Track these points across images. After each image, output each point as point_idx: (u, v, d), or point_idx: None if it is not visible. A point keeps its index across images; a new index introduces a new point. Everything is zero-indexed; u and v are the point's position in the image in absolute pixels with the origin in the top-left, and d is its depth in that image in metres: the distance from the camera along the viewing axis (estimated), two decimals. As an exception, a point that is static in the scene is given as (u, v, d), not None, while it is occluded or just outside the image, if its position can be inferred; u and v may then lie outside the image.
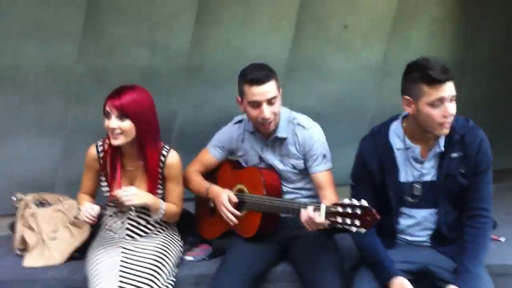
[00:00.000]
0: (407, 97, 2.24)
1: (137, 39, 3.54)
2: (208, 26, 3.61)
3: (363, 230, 2.10)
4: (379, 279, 2.28)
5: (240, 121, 2.80)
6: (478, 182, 2.29)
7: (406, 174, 2.35)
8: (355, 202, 2.12)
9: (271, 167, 2.69)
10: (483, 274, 2.28)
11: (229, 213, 2.59)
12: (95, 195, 2.72)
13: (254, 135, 2.71)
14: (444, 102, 2.16)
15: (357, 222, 2.10)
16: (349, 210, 2.12)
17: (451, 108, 2.17)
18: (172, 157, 2.59)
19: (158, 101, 3.55)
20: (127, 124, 2.43)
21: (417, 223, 2.39)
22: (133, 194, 2.45)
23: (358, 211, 2.10)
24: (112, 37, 3.50)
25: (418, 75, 2.18)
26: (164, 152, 2.58)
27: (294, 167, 2.66)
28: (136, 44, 3.54)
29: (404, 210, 2.39)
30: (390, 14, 3.81)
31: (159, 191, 2.61)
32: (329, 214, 2.18)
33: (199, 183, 2.78)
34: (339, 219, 2.14)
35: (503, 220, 3.07)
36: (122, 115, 2.42)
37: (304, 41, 3.73)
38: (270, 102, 2.51)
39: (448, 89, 2.15)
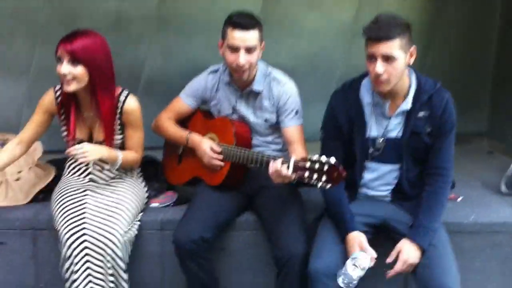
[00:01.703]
0: None
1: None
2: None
3: (328, 186, 2.14)
4: (339, 231, 2.35)
5: (215, 71, 2.77)
6: (442, 142, 2.34)
7: (373, 129, 2.39)
8: (323, 158, 2.13)
9: (243, 119, 2.70)
10: (439, 229, 2.34)
11: (215, 160, 2.59)
12: (30, 145, 2.62)
13: (229, 85, 2.70)
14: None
15: (324, 178, 2.12)
16: (316, 166, 2.13)
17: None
18: (130, 103, 2.53)
19: (126, 49, 3.55)
20: (79, 69, 2.35)
21: (379, 176, 2.44)
22: (86, 151, 2.38)
23: (326, 167, 2.12)
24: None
25: None
26: (121, 98, 2.52)
27: (266, 120, 2.68)
28: (106, -12, 3.48)
29: (368, 164, 2.43)
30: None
31: (117, 137, 2.57)
32: (297, 168, 2.19)
33: (177, 131, 2.77)
34: (306, 174, 2.16)
35: (462, 180, 3.15)
36: (74, 60, 2.35)
37: (276, -3, 3.72)
38: (248, 50, 2.50)
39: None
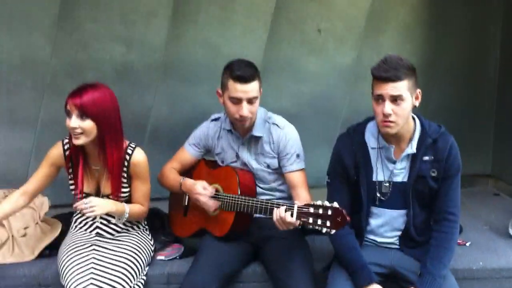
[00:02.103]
0: None
1: (113, 35, 3.54)
2: (184, 23, 3.62)
3: (333, 231, 2.14)
4: (355, 282, 2.31)
5: (216, 119, 2.81)
6: (447, 186, 2.34)
7: (379, 173, 2.39)
8: (326, 203, 2.15)
9: (246, 166, 2.71)
10: (448, 277, 2.33)
11: (206, 199, 2.61)
12: (33, 196, 2.62)
13: (231, 133, 2.73)
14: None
15: (328, 223, 2.13)
16: (320, 211, 2.15)
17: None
18: (137, 156, 2.55)
19: (133, 98, 3.59)
20: (88, 123, 2.37)
21: (386, 222, 2.44)
22: (93, 205, 2.39)
23: (329, 212, 2.13)
24: (87, 32, 3.49)
25: None
26: (129, 151, 2.54)
27: (268, 166, 2.69)
28: (112, 39, 3.54)
29: (374, 209, 2.43)
30: (363, 19, 3.87)
31: (124, 190, 2.58)
32: (301, 214, 2.21)
33: (173, 178, 2.78)
34: (310, 220, 2.17)
35: (468, 225, 3.14)
36: (83, 115, 2.37)
37: (278, 43, 3.77)
38: (250, 101, 2.53)
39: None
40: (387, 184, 2.38)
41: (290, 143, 2.65)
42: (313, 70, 3.87)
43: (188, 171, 2.87)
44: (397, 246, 2.46)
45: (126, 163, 2.54)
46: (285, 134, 2.66)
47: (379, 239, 2.47)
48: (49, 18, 3.36)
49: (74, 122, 2.37)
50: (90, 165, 2.56)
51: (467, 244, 3.00)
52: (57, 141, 2.60)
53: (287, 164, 2.66)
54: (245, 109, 2.52)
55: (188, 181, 2.70)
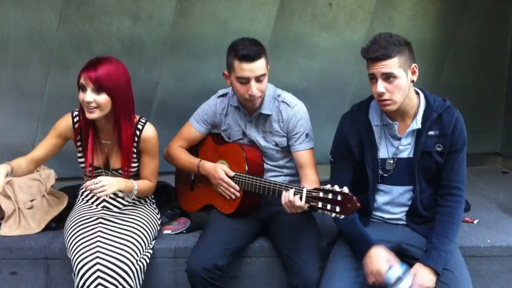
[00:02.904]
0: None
1: (120, 8, 3.50)
2: (192, -3, 3.58)
3: (342, 217, 2.13)
4: (358, 252, 2.30)
5: (224, 95, 2.77)
6: (453, 160, 2.32)
7: (384, 151, 2.38)
8: (336, 188, 2.13)
9: (253, 143, 2.69)
10: (456, 253, 2.32)
11: (230, 187, 2.59)
12: (39, 164, 2.59)
13: (238, 110, 2.70)
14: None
15: (337, 208, 2.12)
16: (330, 196, 2.14)
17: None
18: (148, 131, 2.53)
19: (139, 72, 3.57)
20: (103, 97, 2.35)
21: (392, 199, 2.43)
22: (104, 185, 2.36)
23: (339, 198, 2.12)
24: (94, 4, 3.45)
25: None
26: (139, 126, 2.53)
27: (276, 144, 2.67)
28: (118, 13, 3.50)
29: (381, 186, 2.42)
30: (375, -7, 3.81)
31: (134, 165, 2.57)
32: (310, 198, 2.19)
33: (188, 159, 2.75)
34: (320, 204, 2.16)
35: (477, 203, 3.12)
36: (98, 88, 2.34)
37: (288, 17, 3.72)
38: (258, 79, 2.49)
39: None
40: (391, 161, 2.37)
41: (300, 122, 2.62)
42: (323, 45, 3.82)
43: (194, 147, 2.84)
44: (404, 222, 2.45)
45: (136, 138, 2.52)
46: (294, 112, 2.62)
47: (386, 216, 2.46)
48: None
49: (89, 96, 2.34)
50: (100, 139, 2.54)
51: (475, 222, 2.99)
52: (64, 114, 2.57)
53: (296, 144, 2.63)
54: (254, 88, 2.48)
55: (207, 164, 2.67)
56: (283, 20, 3.70)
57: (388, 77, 2.19)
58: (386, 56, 2.17)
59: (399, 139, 2.35)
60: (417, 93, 2.36)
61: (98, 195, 2.38)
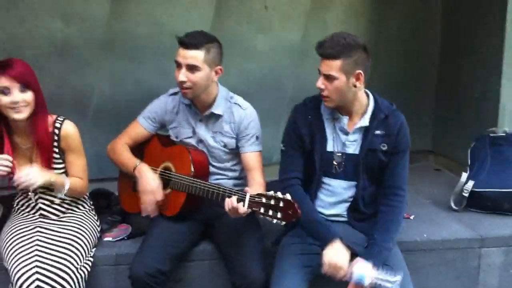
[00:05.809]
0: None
1: (50, 9, 3.37)
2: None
3: (283, 223, 2.16)
4: (320, 239, 2.31)
5: (175, 93, 2.73)
6: (396, 161, 2.40)
7: (332, 144, 2.43)
8: (279, 194, 2.16)
9: (202, 143, 2.67)
10: (394, 250, 2.39)
11: (149, 206, 2.57)
12: None
13: (189, 108, 2.68)
14: None
15: (279, 215, 2.15)
16: (272, 202, 2.16)
17: None
18: (67, 128, 2.46)
19: (73, 75, 3.45)
20: (29, 95, 2.31)
21: (335, 194, 2.47)
22: (32, 175, 2.29)
23: (281, 204, 2.15)
24: (24, 6, 3.31)
25: None
26: (57, 124, 2.45)
27: (225, 145, 2.67)
28: (49, 14, 3.37)
29: (326, 179, 2.46)
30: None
31: (57, 166, 2.48)
32: (253, 203, 2.22)
33: (128, 158, 2.70)
34: (262, 210, 2.19)
35: (412, 199, 3.21)
36: (25, 86, 2.29)
37: (225, 19, 3.71)
38: (190, 68, 2.49)
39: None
40: (340, 155, 2.42)
41: (252, 124, 2.64)
42: (260, 47, 3.84)
43: (139, 147, 2.79)
44: (345, 219, 2.50)
45: (56, 137, 2.45)
46: (246, 114, 2.64)
47: (327, 212, 2.50)
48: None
49: (18, 96, 2.28)
50: (18, 145, 2.44)
51: (412, 217, 3.09)
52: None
53: (245, 145, 2.64)
54: (182, 74, 2.49)
55: (144, 172, 2.60)
56: (219, 22, 3.69)
57: (328, 76, 2.26)
58: (331, 56, 2.23)
59: (347, 134, 2.41)
60: (367, 94, 2.43)
61: (28, 185, 2.29)
